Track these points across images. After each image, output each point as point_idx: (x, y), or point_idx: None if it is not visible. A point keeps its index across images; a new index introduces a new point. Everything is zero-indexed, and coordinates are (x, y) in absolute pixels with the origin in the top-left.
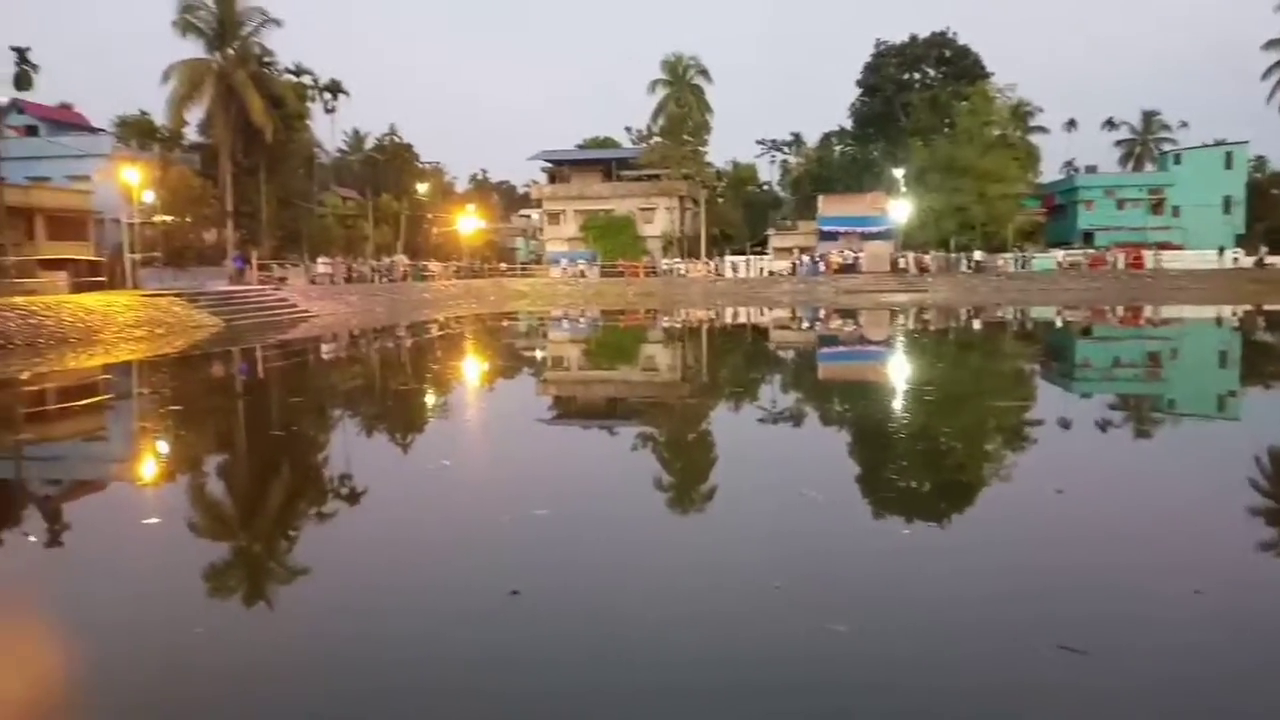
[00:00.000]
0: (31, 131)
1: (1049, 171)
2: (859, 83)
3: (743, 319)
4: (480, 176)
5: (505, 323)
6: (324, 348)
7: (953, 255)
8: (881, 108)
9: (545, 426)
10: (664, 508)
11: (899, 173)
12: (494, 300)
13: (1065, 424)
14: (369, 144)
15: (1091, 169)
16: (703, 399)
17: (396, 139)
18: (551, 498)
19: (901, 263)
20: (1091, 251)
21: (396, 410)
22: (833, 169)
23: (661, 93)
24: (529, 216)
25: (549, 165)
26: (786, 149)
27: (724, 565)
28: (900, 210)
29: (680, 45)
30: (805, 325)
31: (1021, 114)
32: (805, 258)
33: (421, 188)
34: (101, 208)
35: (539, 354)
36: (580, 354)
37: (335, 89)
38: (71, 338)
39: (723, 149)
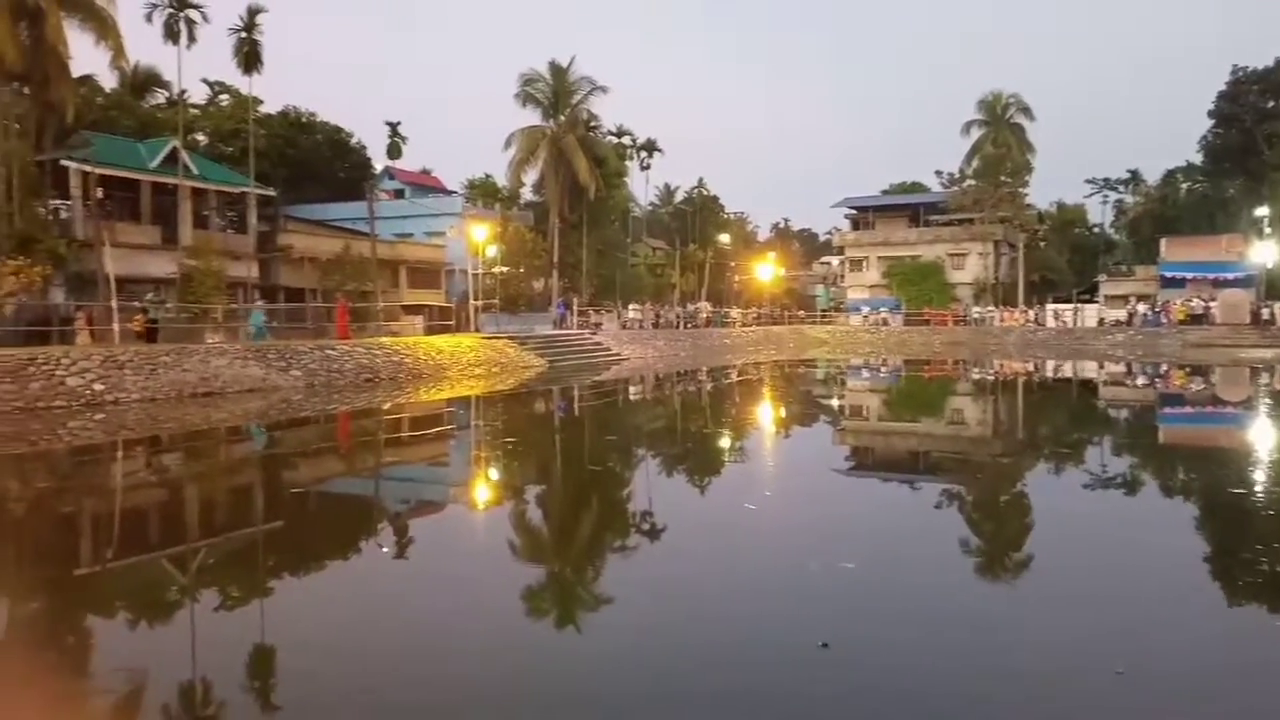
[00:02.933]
0: (399, 195)
1: None
2: (1212, 113)
3: (1066, 373)
4: (781, 224)
5: (803, 370)
6: (633, 389)
7: None
8: (1239, 140)
9: (844, 477)
10: (972, 572)
11: (1261, 212)
12: (793, 347)
13: None
14: (678, 197)
15: None
16: (1017, 458)
17: (704, 191)
18: (857, 550)
19: (1265, 314)
20: None
21: (700, 452)
22: (1178, 209)
23: (977, 133)
24: (829, 263)
25: (852, 212)
26: (1122, 188)
27: (1050, 642)
28: (1264, 254)
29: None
30: (1143, 382)
31: None
32: (1143, 307)
33: (724, 237)
34: (452, 260)
35: (837, 402)
36: (880, 404)
37: (651, 147)
38: (425, 373)
39: (1046, 189)
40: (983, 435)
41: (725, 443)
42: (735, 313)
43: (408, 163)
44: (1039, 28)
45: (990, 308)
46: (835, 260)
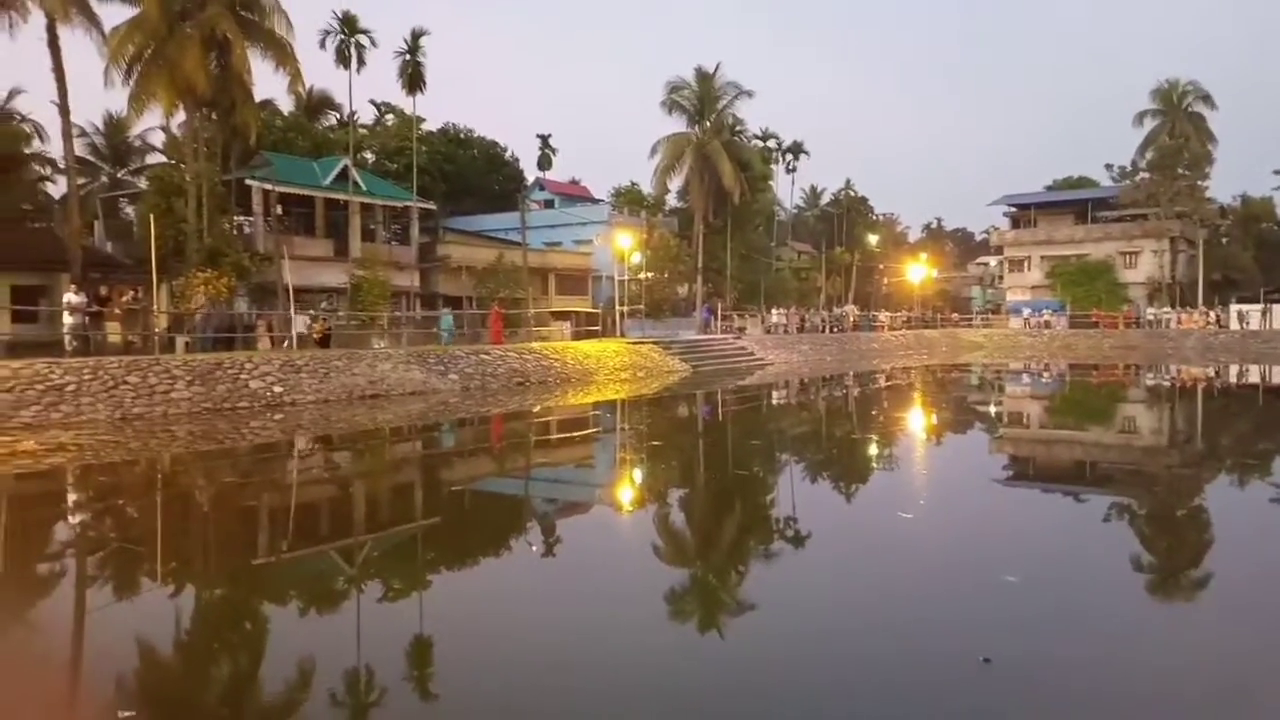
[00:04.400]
0: (549, 205)
1: None
2: None
3: (1254, 378)
4: (934, 224)
5: (957, 374)
6: (776, 394)
7: None
8: None
9: (1003, 487)
10: (1143, 589)
11: None
12: (945, 351)
13: None
14: (825, 199)
15: None
16: (1195, 469)
17: (851, 193)
18: (1019, 564)
19: None
20: None
21: (848, 458)
22: None
23: (1151, 124)
24: (986, 264)
25: (1012, 209)
26: None
27: (1219, 662)
28: None
29: (1173, 70)
30: None
31: None
32: None
33: (872, 239)
34: (598, 267)
35: (994, 409)
36: (1042, 411)
37: (797, 150)
38: (573, 378)
39: (1229, 182)
40: (1156, 445)
41: (874, 449)
42: (884, 316)
43: (557, 173)
44: (1218, 5)
45: (1166, 309)
46: (993, 260)
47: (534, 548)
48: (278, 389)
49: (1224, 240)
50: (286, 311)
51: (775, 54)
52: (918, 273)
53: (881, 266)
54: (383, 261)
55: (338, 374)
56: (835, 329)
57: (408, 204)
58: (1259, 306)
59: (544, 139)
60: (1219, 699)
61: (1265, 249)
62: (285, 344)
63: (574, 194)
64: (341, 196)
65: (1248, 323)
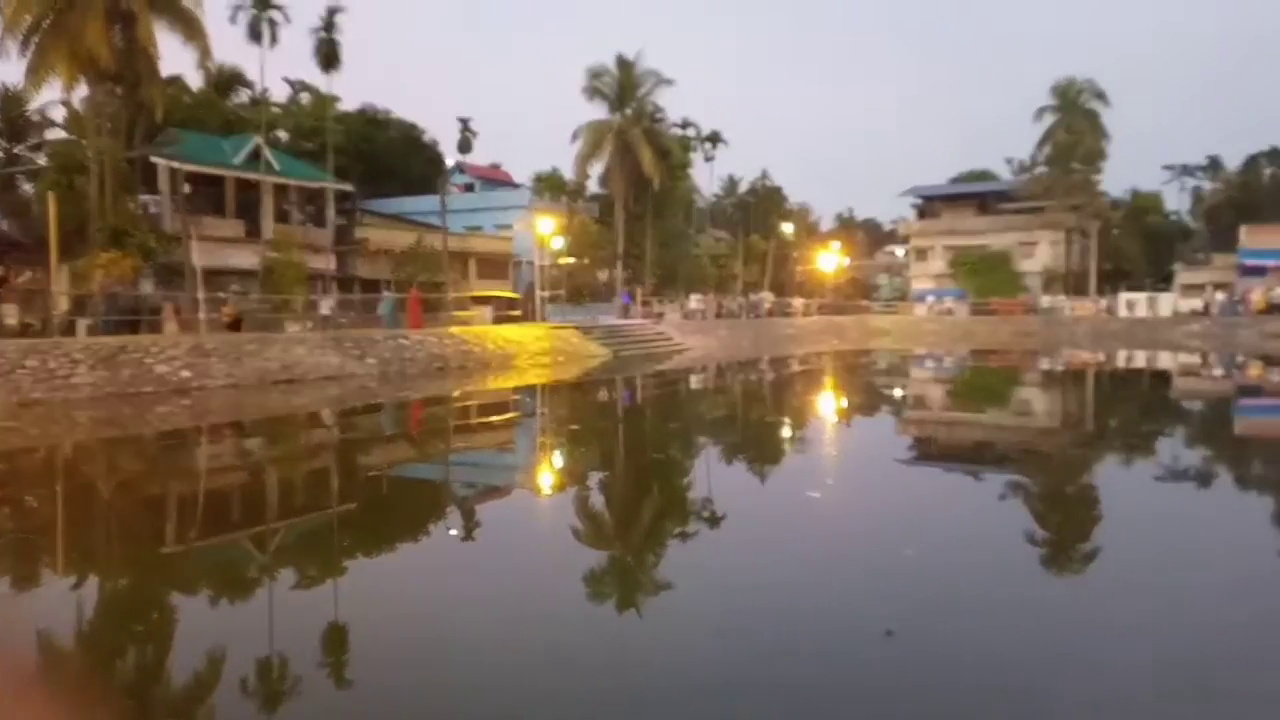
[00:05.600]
0: (469, 188)
1: None
2: None
3: (1140, 364)
4: (846, 214)
5: (866, 359)
6: (695, 378)
7: None
8: None
9: (907, 467)
10: (1039, 563)
11: None
12: (855, 337)
13: None
14: (742, 188)
15: None
16: (1085, 449)
17: (767, 183)
18: (919, 539)
19: None
20: None
21: (762, 440)
22: (1260, 195)
23: (1049, 120)
24: (894, 253)
25: (919, 201)
26: (1199, 174)
27: (1112, 627)
28: None
29: (1072, 69)
30: (1220, 373)
31: None
32: (1221, 296)
33: (788, 227)
34: (519, 252)
35: (900, 392)
36: (944, 394)
37: (715, 139)
38: (493, 363)
39: (1120, 176)
40: (1050, 426)
41: (787, 431)
42: (798, 302)
43: (478, 157)
44: (1115, 9)
45: (1061, 297)
46: (900, 250)
47: (453, 532)
48: (186, 373)
49: (1115, 232)
50: (195, 294)
51: (696, 43)
52: (830, 261)
53: (796, 254)
54: (297, 244)
55: (250, 358)
56: (752, 315)
57: (323, 185)
58: (1145, 296)
59: (464, 122)
60: (1104, 665)
61: (1152, 241)
62: (194, 327)
63: (495, 178)
64: (253, 176)
65: (1135, 310)
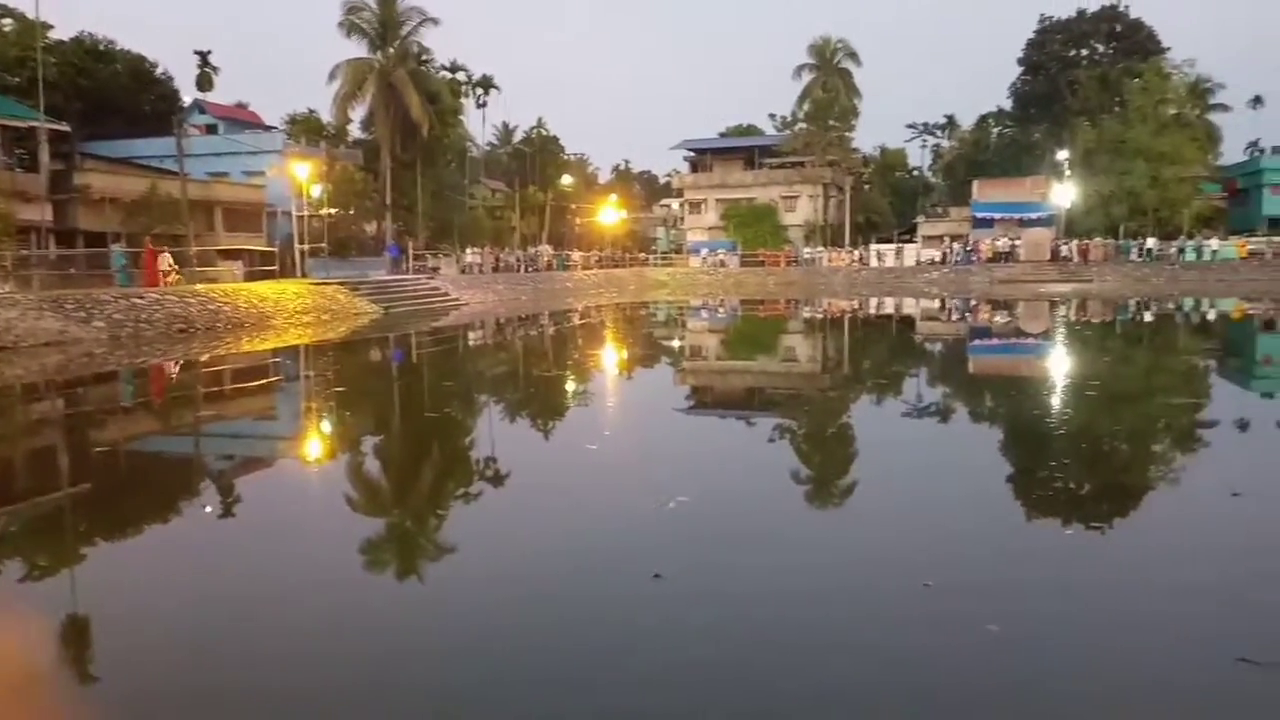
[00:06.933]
0: (211, 130)
1: (1231, 153)
2: (1021, 60)
3: (888, 309)
4: (623, 167)
5: (645, 312)
6: (472, 335)
7: (1121, 243)
8: (1045, 87)
9: (684, 415)
10: (804, 500)
11: (1063, 155)
12: (634, 289)
13: (1244, 425)
14: (517, 137)
15: None
16: (843, 391)
17: (543, 132)
18: (692, 486)
19: (1064, 251)
20: (1278, 240)
21: (541, 396)
22: (989, 153)
23: (808, 78)
24: (670, 206)
25: (691, 154)
26: (939, 132)
27: (867, 559)
28: (1063, 195)
29: (829, 29)
30: (955, 317)
31: (1200, 91)
32: (957, 246)
33: (566, 179)
34: (273, 201)
35: (677, 343)
36: (718, 344)
37: (487, 84)
38: (246, 323)
39: (871, 134)
40: (812, 371)
41: (567, 386)
42: (577, 255)
43: (221, 95)
44: None
45: (819, 248)
46: (675, 203)
47: (208, 509)
48: None
49: (866, 187)
50: None
51: None
52: (609, 214)
53: (574, 206)
54: (4, 191)
55: None
56: (530, 268)
57: (33, 124)
58: (893, 246)
59: (203, 56)
60: (862, 591)
61: (899, 194)
62: None
63: (242, 119)
64: None
65: (884, 260)
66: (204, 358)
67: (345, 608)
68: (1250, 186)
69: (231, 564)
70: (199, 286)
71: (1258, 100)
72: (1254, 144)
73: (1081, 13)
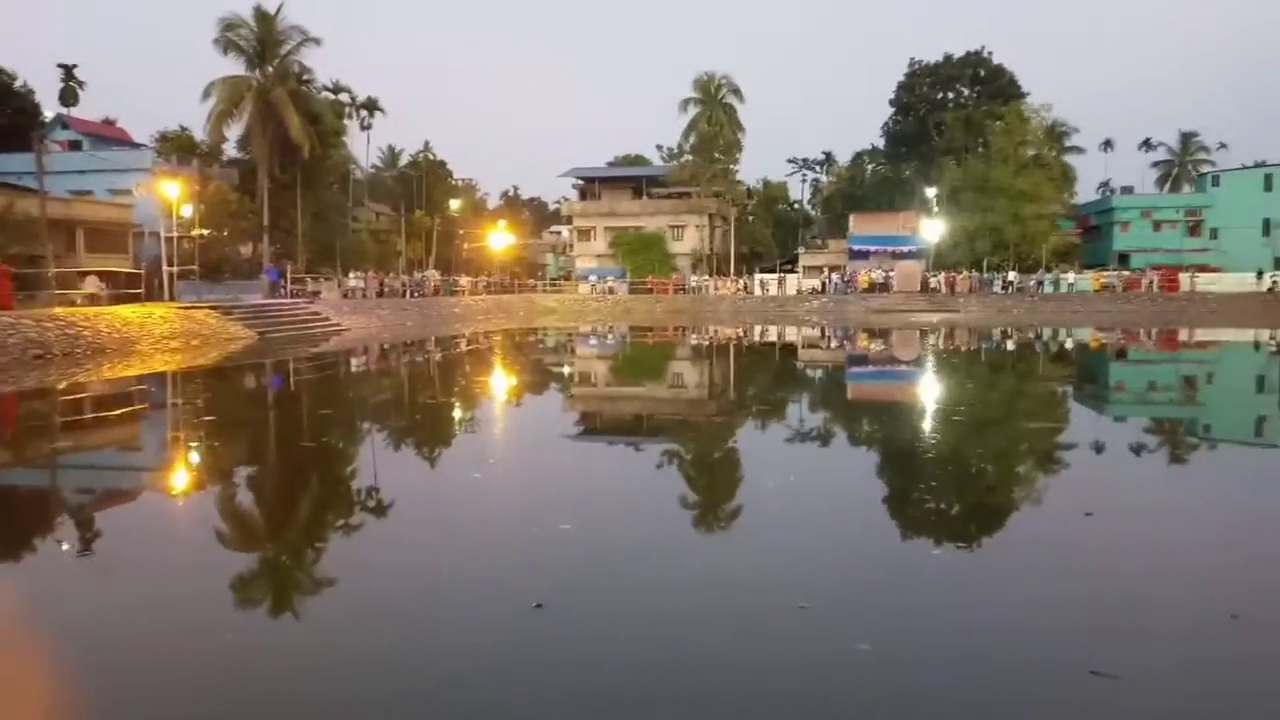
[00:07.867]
0: (75, 146)
1: (1085, 192)
2: (892, 101)
3: (771, 337)
4: (512, 193)
5: (534, 338)
6: (354, 361)
7: (985, 275)
8: (914, 127)
9: (571, 442)
10: (689, 525)
11: (931, 192)
12: (523, 315)
13: (1098, 448)
14: (403, 160)
15: (1128, 190)
16: (729, 417)
17: (430, 156)
18: (577, 513)
19: (933, 282)
20: (1127, 274)
21: (426, 424)
22: (864, 188)
23: (693, 111)
24: (559, 233)
25: (580, 182)
26: (818, 167)
27: (747, 582)
28: (932, 230)
29: (713, 64)
30: (834, 344)
31: (1057, 134)
32: (835, 276)
33: (454, 204)
34: (141, 221)
35: (566, 370)
36: (607, 370)
37: (372, 106)
38: (109, 348)
39: (754, 167)
40: (699, 397)
41: (453, 413)
42: (465, 281)
43: (85, 111)
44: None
45: (706, 277)
46: (565, 230)
47: (65, 546)
48: None
49: (750, 218)
50: None
51: (352, 4)
52: (497, 239)
53: (462, 232)
54: None
55: None
56: (416, 293)
57: None
58: (775, 276)
59: (68, 69)
60: (741, 612)
61: (781, 226)
62: None
63: (110, 136)
64: None
65: (767, 289)
66: (62, 385)
67: (209, 651)
68: (1103, 224)
69: (86, 606)
70: (57, 310)
71: (1108, 144)
72: (1105, 184)
73: (948, 57)
